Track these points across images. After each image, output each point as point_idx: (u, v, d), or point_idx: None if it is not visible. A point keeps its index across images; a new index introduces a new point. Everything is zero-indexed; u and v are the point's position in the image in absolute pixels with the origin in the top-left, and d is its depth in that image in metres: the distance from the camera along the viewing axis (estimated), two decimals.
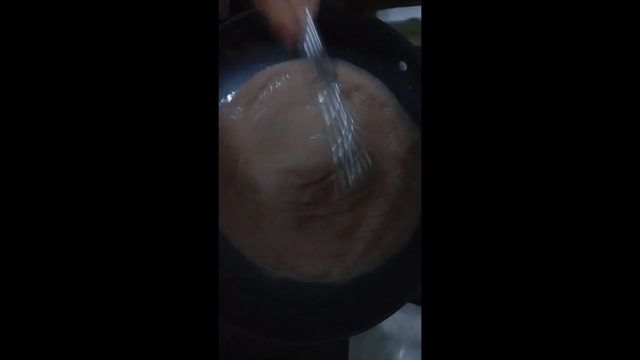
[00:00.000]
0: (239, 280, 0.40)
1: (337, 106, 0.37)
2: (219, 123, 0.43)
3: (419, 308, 0.42)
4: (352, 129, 0.39)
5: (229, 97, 0.44)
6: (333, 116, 0.37)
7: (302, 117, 0.44)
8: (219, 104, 0.44)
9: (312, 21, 0.31)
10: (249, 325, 0.36)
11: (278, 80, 0.44)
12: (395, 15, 0.46)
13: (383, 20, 0.46)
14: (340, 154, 0.40)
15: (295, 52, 0.32)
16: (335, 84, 0.36)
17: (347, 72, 0.43)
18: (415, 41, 0.46)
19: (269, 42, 0.32)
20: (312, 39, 0.32)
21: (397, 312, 0.35)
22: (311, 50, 0.32)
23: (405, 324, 0.41)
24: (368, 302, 0.39)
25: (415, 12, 0.46)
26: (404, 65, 0.40)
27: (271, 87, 0.44)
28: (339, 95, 0.37)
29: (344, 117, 0.38)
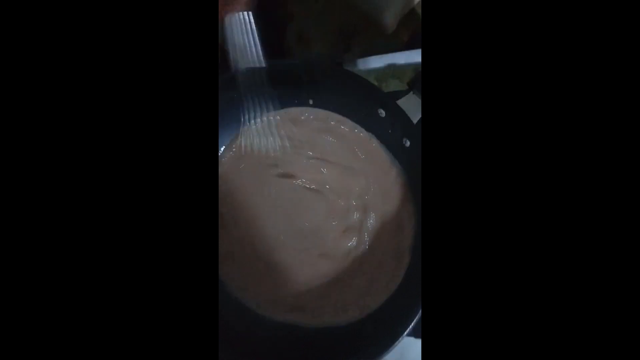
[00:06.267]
0: (234, 327, 0.40)
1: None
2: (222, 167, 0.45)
3: (418, 341, 0.43)
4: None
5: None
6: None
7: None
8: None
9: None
10: None
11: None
12: (375, 62, 0.50)
13: (364, 67, 0.50)
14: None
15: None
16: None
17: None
18: (394, 85, 0.50)
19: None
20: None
21: (397, 347, 0.36)
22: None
23: (404, 358, 0.41)
24: (364, 341, 0.39)
25: (392, 58, 0.50)
26: (382, 112, 0.43)
27: None
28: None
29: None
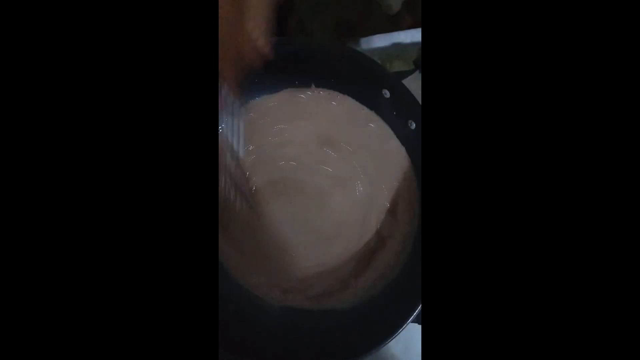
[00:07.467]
0: (237, 312, 0.40)
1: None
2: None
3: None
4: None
5: None
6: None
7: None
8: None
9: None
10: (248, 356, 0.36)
11: None
12: (379, 42, 0.48)
13: (367, 46, 0.48)
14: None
15: None
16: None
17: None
18: (399, 66, 0.48)
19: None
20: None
21: (402, 333, 0.36)
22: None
23: (409, 345, 0.41)
24: (369, 327, 0.39)
25: (397, 37, 0.48)
26: (387, 93, 0.42)
27: None
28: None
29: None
